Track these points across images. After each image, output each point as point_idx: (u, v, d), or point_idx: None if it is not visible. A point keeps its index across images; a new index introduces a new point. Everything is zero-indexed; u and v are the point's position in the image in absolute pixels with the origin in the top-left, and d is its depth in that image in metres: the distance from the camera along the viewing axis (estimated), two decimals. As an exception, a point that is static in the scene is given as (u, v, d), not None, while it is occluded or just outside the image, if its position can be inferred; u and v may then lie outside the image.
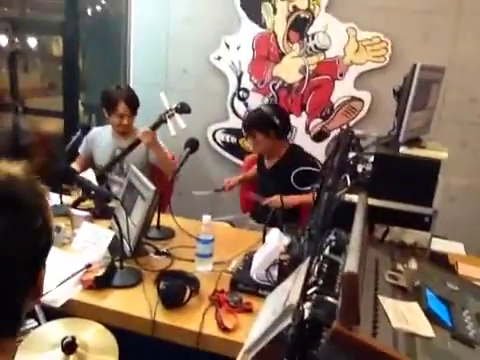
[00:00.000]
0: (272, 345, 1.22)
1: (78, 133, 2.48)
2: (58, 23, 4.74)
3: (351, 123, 3.01)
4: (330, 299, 1.19)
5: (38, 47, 5.33)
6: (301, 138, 3.11)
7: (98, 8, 4.40)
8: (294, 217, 2.34)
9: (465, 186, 2.77)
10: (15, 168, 0.76)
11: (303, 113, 3.12)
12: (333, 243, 1.44)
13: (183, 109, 2.34)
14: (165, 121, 2.35)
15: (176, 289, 1.53)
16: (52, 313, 1.44)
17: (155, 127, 2.38)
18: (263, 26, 3.09)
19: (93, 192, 1.73)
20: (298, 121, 3.13)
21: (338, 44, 2.94)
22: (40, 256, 0.78)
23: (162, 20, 3.33)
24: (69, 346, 1.16)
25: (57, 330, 1.24)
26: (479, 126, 2.81)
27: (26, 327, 1.34)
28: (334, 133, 3.07)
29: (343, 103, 3.03)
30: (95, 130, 2.79)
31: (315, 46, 2.99)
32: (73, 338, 1.17)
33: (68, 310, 1.51)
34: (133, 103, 2.57)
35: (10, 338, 0.76)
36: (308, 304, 1.19)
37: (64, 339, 1.16)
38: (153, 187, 1.74)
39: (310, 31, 2.99)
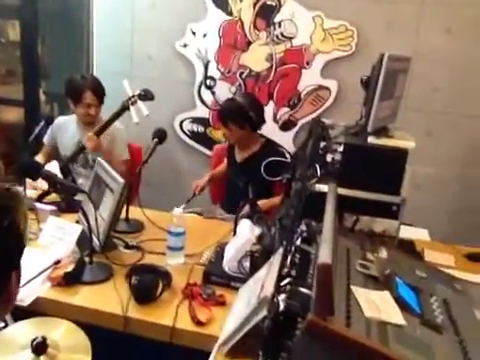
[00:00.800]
0: (247, 338, 1.22)
1: (42, 124, 2.42)
2: (14, 6, 4.55)
3: (318, 112, 3.03)
4: (304, 290, 1.20)
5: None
6: (269, 127, 3.08)
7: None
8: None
9: (430, 174, 2.84)
10: None
11: (270, 102, 3.12)
12: (304, 233, 1.45)
13: (146, 96, 2.30)
14: (128, 108, 2.30)
15: (148, 283, 1.52)
16: (20, 313, 1.39)
17: (117, 116, 2.33)
18: (230, 13, 3.05)
19: (59, 186, 1.68)
20: (266, 110, 3.09)
21: (305, 32, 2.94)
22: (7, 259, 0.76)
23: (126, 5, 3.25)
24: (39, 347, 1.12)
25: (26, 330, 1.21)
26: (443, 115, 2.88)
27: (-7, 328, 1.30)
28: (301, 122, 3.08)
29: (310, 92, 3.04)
30: (60, 119, 2.72)
31: (282, 34, 2.98)
32: (43, 338, 1.13)
33: (37, 309, 1.47)
34: (100, 92, 2.51)
35: None
36: (282, 296, 1.20)
37: (34, 340, 1.13)
38: (121, 180, 1.71)
39: (277, 19, 2.97)
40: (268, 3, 2.96)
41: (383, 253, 1.40)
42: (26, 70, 4.58)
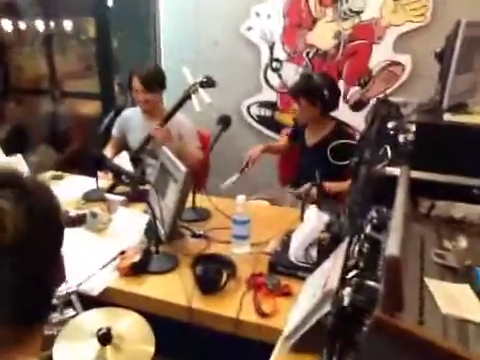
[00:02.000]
0: (312, 332, 1.17)
1: (111, 115, 2.47)
2: (90, 4, 4.73)
3: (391, 89, 2.84)
4: (371, 283, 1.12)
5: (74, 29, 5.36)
6: (340, 108, 2.97)
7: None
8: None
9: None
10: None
11: (340, 81, 2.97)
12: (374, 220, 1.35)
13: (207, 83, 2.27)
14: (190, 97, 2.29)
15: (212, 274, 1.50)
16: (89, 301, 1.44)
17: (180, 105, 2.33)
18: (294, -9, 2.94)
19: (124, 177, 1.70)
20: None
21: (374, 5, 2.76)
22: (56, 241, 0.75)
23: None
24: (104, 337, 1.15)
25: (93, 320, 1.24)
26: None
27: (64, 316, 1.35)
28: (373, 101, 2.91)
29: (382, 68, 2.86)
30: (127, 111, 2.77)
31: (349, 9, 2.82)
32: (108, 329, 1.16)
33: (105, 298, 1.51)
34: (147, 79, 2.49)
35: (39, 324, 0.76)
36: (348, 289, 1.13)
37: (99, 330, 1.15)
38: (184, 169, 1.70)
39: (344, -7, 2.82)
40: (334, -23, 2.82)
41: (462, 242, 1.28)
42: (101, 64, 4.79)
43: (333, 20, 2.88)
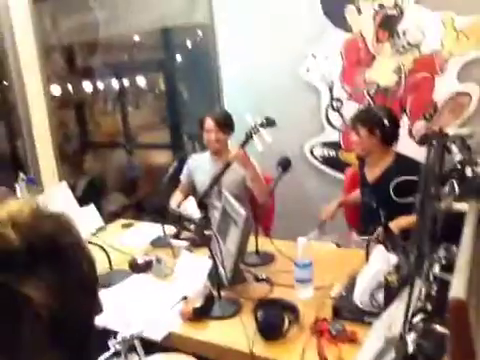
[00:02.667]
0: (377, 382, 1.09)
1: (175, 164, 2.56)
2: (157, 61, 5.06)
3: (459, 121, 2.72)
4: (440, 328, 1.04)
5: (145, 85, 5.73)
6: (404, 144, 2.87)
7: (189, 43, 4.60)
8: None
9: None
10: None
11: (404, 116, 2.90)
12: (443, 260, 1.27)
13: (268, 123, 2.32)
14: (251, 137, 2.34)
15: (274, 319, 1.47)
16: (152, 347, 1.46)
17: (243, 146, 2.37)
18: (349, 30, 2.95)
19: (186, 223, 1.75)
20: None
21: (434, 37, 2.69)
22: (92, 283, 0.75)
23: (248, 43, 3.35)
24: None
25: (155, 366, 1.25)
26: None
27: (128, 363, 1.37)
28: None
29: (448, 100, 2.75)
30: (194, 157, 2.88)
31: (408, 43, 2.78)
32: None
33: (168, 343, 1.52)
34: (220, 119, 2.62)
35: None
36: (413, 335, 1.06)
37: (159, 377, 1.16)
38: (244, 212, 1.71)
39: (400, 27, 2.78)
40: (389, 13, 2.80)
41: None
42: (170, 116, 5.05)
43: (392, 55, 2.85)
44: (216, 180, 2.53)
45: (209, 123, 2.62)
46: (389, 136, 2.34)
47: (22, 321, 0.65)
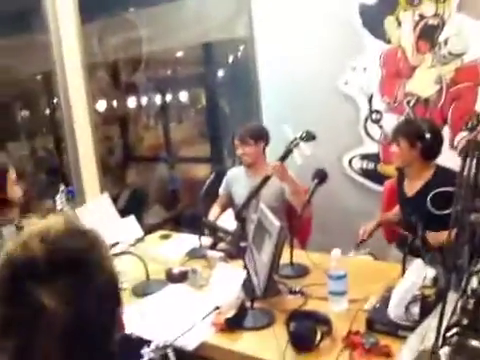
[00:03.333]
0: (408, 398, 1.07)
1: (212, 177, 2.60)
2: (199, 76, 5.17)
3: (505, 130, 2.63)
4: (475, 343, 1.02)
5: (187, 100, 5.86)
6: (446, 155, 2.79)
7: (230, 58, 4.68)
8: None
9: None
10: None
11: (445, 127, 2.82)
12: (481, 274, 1.24)
13: (307, 137, 2.31)
14: (291, 151, 2.33)
15: (306, 331, 1.46)
16: (186, 356, 1.48)
17: (283, 159, 2.37)
18: (388, 42, 2.92)
19: (221, 234, 1.77)
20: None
21: (477, 45, 2.62)
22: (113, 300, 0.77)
23: (286, 56, 3.38)
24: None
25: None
26: None
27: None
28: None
29: (492, 110, 2.67)
30: (233, 170, 2.93)
31: (449, 53, 2.72)
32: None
33: (200, 353, 1.53)
34: (242, 134, 2.67)
35: None
36: (446, 349, 1.03)
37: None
38: (278, 223, 1.71)
39: (441, 37, 2.73)
40: (430, 23, 2.75)
41: None
42: (211, 130, 5.14)
43: (432, 66, 2.79)
44: (254, 193, 2.53)
45: (235, 141, 2.70)
46: (430, 150, 2.28)
47: (36, 328, 0.68)
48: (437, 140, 2.30)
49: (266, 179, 2.45)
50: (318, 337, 1.45)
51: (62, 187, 2.02)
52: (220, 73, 4.91)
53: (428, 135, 2.24)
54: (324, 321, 1.54)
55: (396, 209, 2.60)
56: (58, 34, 2.61)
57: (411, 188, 2.37)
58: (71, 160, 2.75)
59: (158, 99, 5.37)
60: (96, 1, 3.54)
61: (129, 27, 4.28)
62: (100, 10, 3.78)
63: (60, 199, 2.00)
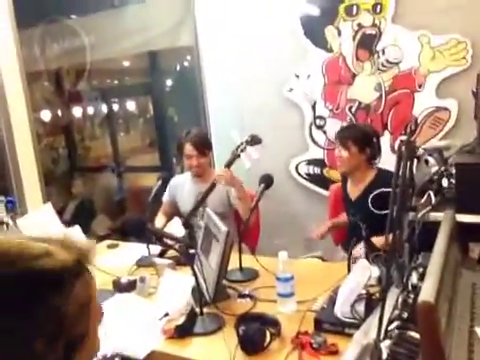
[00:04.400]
0: (353, 391, 1.10)
1: (159, 183, 2.57)
2: (145, 85, 5.12)
3: (440, 135, 2.77)
4: (414, 335, 1.06)
5: (136, 108, 5.78)
6: (387, 159, 2.90)
7: (176, 66, 4.67)
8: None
9: None
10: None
11: (386, 132, 2.95)
12: (420, 269, 1.29)
13: (253, 141, 2.34)
14: (239, 156, 2.36)
15: (255, 333, 1.46)
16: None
17: (229, 164, 2.39)
18: (330, 50, 3.02)
19: (167, 241, 1.76)
20: (381, 141, 2.95)
21: (411, 55, 2.76)
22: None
23: (232, 64, 3.41)
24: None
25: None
26: None
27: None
28: (421, 149, 2.84)
29: (427, 115, 2.81)
30: (176, 178, 2.88)
31: (387, 61, 2.85)
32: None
33: (150, 361, 1.51)
34: (199, 144, 2.60)
35: None
36: (387, 342, 1.07)
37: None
38: (225, 228, 1.72)
39: (379, 46, 2.86)
40: (368, 32, 2.87)
41: (517, 287, 1.18)
42: (159, 138, 5.08)
43: (372, 73, 2.91)
44: (201, 201, 2.53)
45: (189, 148, 2.60)
46: (375, 154, 2.39)
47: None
48: (379, 144, 2.40)
49: (212, 186, 2.46)
50: (267, 339, 1.46)
51: (1, 197, 1.93)
52: (167, 81, 4.88)
53: (375, 139, 2.34)
54: (273, 323, 1.55)
55: (344, 214, 2.69)
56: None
57: (354, 191, 2.45)
58: (11, 170, 2.64)
59: (104, 108, 5.27)
60: (36, 7, 3.43)
61: (72, 34, 4.19)
62: (41, 16, 3.67)
63: (-1, 210, 1.92)
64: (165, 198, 2.84)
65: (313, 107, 3.16)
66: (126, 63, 5.18)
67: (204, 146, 2.63)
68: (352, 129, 2.50)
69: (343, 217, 2.70)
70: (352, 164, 2.41)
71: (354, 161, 2.39)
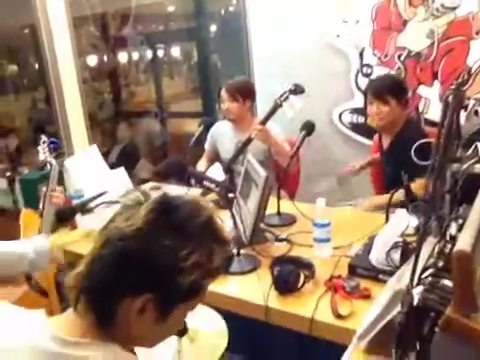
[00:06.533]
0: (382, 333, 1.13)
1: (201, 128, 2.60)
2: (190, 30, 5.06)
3: (494, 86, 2.64)
4: (447, 282, 1.06)
5: (181, 54, 5.76)
6: (436, 110, 2.81)
7: (221, 11, 4.57)
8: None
9: None
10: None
11: (435, 82, 2.82)
12: (460, 220, 1.28)
13: (296, 90, 2.31)
14: (281, 105, 2.33)
15: (289, 274, 1.51)
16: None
17: (270, 115, 2.37)
18: (381, -6, 2.87)
19: (208, 184, 1.80)
20: (430, 92, 2.84)
21: (470, -1, 2.59)
22: (150, 273, 0.78)
23: (277, 10, 3.31)
24: (180, 330, 1.21)
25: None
26: None
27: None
28: (472, 99, 2.71)
29: (482, 64, 2.66)
30: (217, 125, 2.90)
31: (442, 6, 2.68)
32: (184, 322, 1.22)
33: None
34: (232, 89, 2.62)
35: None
36: (419, 288, 1.08)
37: (176, 323, 1.22)
38: (264, 173, 1.74)
39: (435, -11, 2.69)
40: (424, -25, 2.70)
41: None
42: (202, 85, 5.08)
43: (425, 19, 2.76)
44: (239, 152, 2.54)
45: (223, 93, 2.64)
46: (407, 104, 2.38)
47: None
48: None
49: (248, 140, 2.46)
50: (301, 280, 1.51)
51: (44, 138, 2.01)
52: (211, 27, 4.81)
53: (406, 88, 2.33)
54: (307, 266, 1.59)
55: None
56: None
57: (386, 140, 2.44)
58: (59, 114, 2.73)
59: (149, 54, 5.28)
60: None
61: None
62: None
63: (42, 150, 1.99)
64: (207, 144, 2.88)
65: (360, 54, 3.05)
66: (171, 8, 5.13)
67: (237, 92, 2.62)
68: (387, 80, 2.43)
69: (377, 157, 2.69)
70: (392, 118, 2.36)
71: (394, 114, 2.34)
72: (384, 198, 2.69)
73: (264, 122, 2.41)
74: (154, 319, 0.81)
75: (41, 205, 1.90)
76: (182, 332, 1.21)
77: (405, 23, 2.84)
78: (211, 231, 0.83)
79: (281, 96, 2.34)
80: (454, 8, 2.66)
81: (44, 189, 1.91)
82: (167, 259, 0.77)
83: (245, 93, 2.65)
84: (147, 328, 0.82)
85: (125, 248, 0.76)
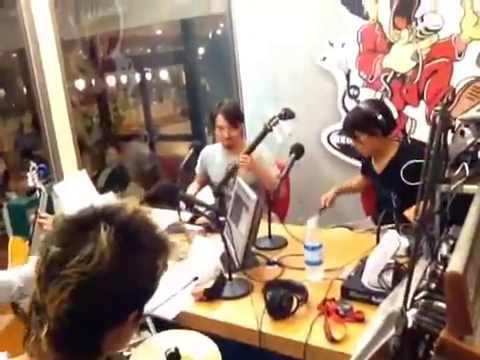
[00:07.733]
0: (377, 357, 1.11)
1: (191, 151, 2.60)
2: (178, 53, 5.11)
3: (479, 106, 2.68)
4: (440, 305, 1.06)
5: (169, 77, 5.79)
6: (422, 130, 2.85)
7: (209, 34, 4.63)
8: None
9: None
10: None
11: (421, 103, 2.87)
12: (450, 241, 1.28)
13: (287, 115, 2.32)
14: (271, 130, 2.34)
15: (282, 298, 1.49)
16: (166, 325, 1.50)
17: (259, 140, 2.38)
18: (366, 17, 2.92)
19: (198, 208, 1.79)
20: (417, 112, 2.88)
21: (452, 21, 2.64)
22: (132, 299, 0.81)
23: (264, 32, 3.36)
24: (172, 357, 1.19)
25: (164, 341, 1.30)
26: None
27: (140, 338, 1.43)
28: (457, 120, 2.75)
29: (466, 85, 2.71)
30: (207, 148, 2.89)
31: (426, 28, 2.73)
32: (176, 349, 1.20)
33: (180, 322, 1.56)
34: (230, 115, 2.60)
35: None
36: (413, 311, 1.07)
37: (168, 350, 1.20)
38: (254, 196, 1.74)
39: (418, 13, 2.73)
40: (406, -1, 2.77)
41: None
42: (191, 107, 5.10)
43: (409, 42, 2.81)
44: (228, 177, 2.54)
45: (220, 119, 2.60)
46: (388, 128, 2.32)
47: None
48: (388, 114, 2.35)
49: (235, 168, 2.47)
50: (294, 305, 1.49)
51: (32, 164, 2.00)
52: (199, 50, 4.86)
53: (380, 116, 2.27)
54: (300, 290, 1.58)
55: (353, 181, 2.75)
56: (29, 8, 2.55)
57: (379, 166, 2.44)
58: (48, 138, 2.72)
59: (137, 77, 5.31)
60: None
61: (105, 3, 4.20)
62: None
63: (31, 177, 1.99)
64: (197, 168, 2.87)
65: (347, 76, 3.09)
66: (159, 31, 5.18)
67: (235, 117, 2.62)
68: (352, 118, 2.41)
69: (347, 183, 2.73)
70: (370, 148, 2.39)
71: (369, 146, 2.36)
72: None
73: (251, 149, 2.42)
74: (135, 320, 0.85)
75: (31, 231, 1.88)
76: (175, 358, 1.20)
77: (390, 45, 2.89)
78: (156, 232, 0.89)
79: (271, 121, 2.34)
80: (437, 31, 2.72)
81: (32, 216, 1.89)
82: (145, 277, 0.82)
83: (240, 117, 2.68)
84: (130, 330, 0.87)
85: (105, 287, 0.76)
